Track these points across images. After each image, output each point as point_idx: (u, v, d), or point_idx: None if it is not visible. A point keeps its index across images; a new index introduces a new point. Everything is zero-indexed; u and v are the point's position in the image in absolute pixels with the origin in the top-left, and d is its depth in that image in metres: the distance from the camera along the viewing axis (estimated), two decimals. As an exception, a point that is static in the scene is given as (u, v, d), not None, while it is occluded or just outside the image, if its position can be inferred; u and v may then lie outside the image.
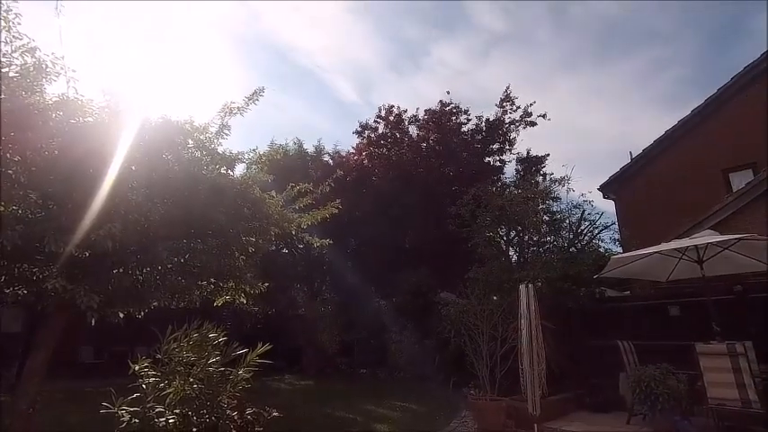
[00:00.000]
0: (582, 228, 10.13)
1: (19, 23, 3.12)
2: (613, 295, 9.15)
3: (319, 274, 17.76)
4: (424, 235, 14.82)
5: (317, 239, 5.77)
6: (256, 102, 4.41)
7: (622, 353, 6.68)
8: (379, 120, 17.25)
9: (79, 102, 3.38)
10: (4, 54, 3.11)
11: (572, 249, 9.57)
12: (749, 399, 4.80)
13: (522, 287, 5.79)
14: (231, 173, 4.35)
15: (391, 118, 17.04)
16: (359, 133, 17.49)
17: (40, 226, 3.13)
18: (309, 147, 17.74)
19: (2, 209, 3.13)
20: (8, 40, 3.11)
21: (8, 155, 3.27)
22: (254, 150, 4.86)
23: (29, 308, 8.13)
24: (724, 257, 6.03)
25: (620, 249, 10.25)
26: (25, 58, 3.16)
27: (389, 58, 25.12)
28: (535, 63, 24.36)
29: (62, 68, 3.33)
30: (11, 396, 8.63)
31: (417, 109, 17.11)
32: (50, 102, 3.28)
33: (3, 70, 3.03)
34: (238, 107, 4.34)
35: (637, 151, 12.57)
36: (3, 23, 3.05)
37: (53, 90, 3.47)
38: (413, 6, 21.05)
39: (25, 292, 3.72)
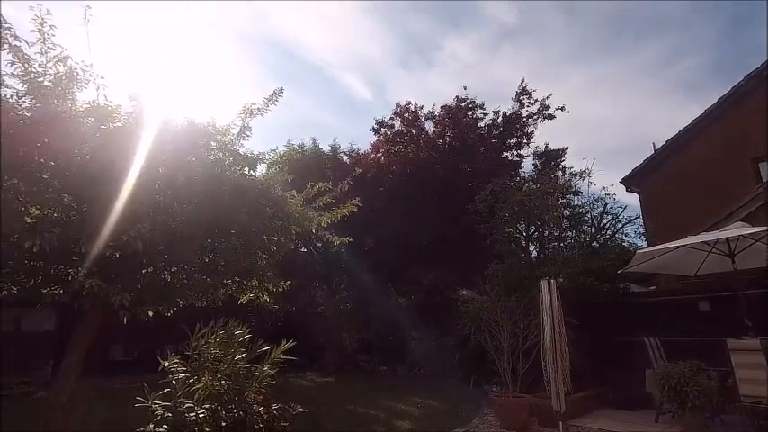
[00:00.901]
0: (604, 222, 9.94)
1: (53, 35, 3.26)
2: (638, 290, 8.95)
3: (338, 272, 17.88)
4: (441, 232, 14.76)
5: (337, 238, 5.82)
6: (276, 102, 4.48)
7: (649, 349, 6.55)
8: (395, 117, 17.26)
9: (108, 108, 3.51)
10: (40, 64, 3.25)
11: (594, 244, 9.39)
12: (785, 396, 4.65)
13: (543, 283, 5.73)
14: (253, 173, 4.44)
15: (407, 115, 17.01)
16: (375, 131, 17.53)
17: (74, 228, 3.26)
18: (325, 146, 17.87)
19: (38, 212, 3.27)
20: (43, 50, 3.25)
21: (42, 160, 3.41)
22: (274, 151, 4.95)
23: (61, 307, 8.45)
24: (755, 250, 5.84)
25: (644, 243, 10.01)
26: (58, 67, 3.29)
27: (400, 54, 25.04)
28: (547, 55, 23.92)
29: (91, 76, 3.46)
30: (46, 392, 9.02)
31: (433, 105, 17.05)
32: (81, 108, 3.41)
33: (38, 80, 3.17)
34: (258, 108, 4.42)
35: (660, 142, 12.24)
36: (38, 35, 3.19)
37: (83, 97, 3.61)
38: (421, 2, 20.91)
39: (61, 291, 3.88)
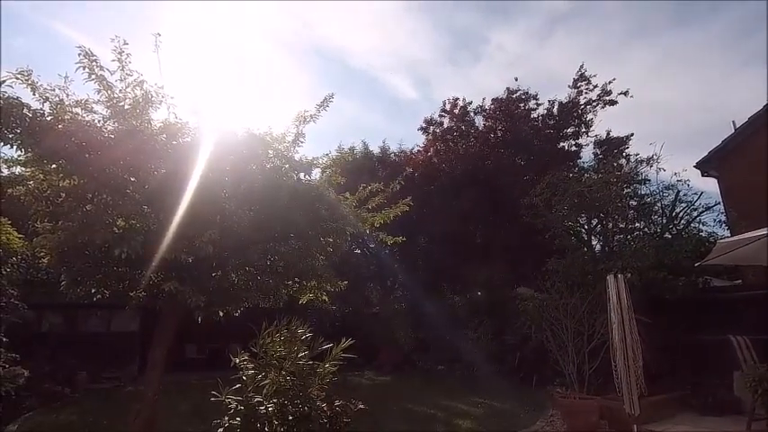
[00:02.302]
0: (677, 211, 9.14)
1: (130, 62, 3.63)
2: (720, 285, 8.16)
3: (391, 272, 18.03)
4: (495, 228, 14.41)
5: (390, 237, 5.88)
6: (327, 108, 4.63)
7: (737, 349, 5.94)
8: (444, 114, 17.11)
9: (178, 124, 3.83)
10: (120, 90, 3.63)
11: (666, 235, 8.68)
12: None
13: (610, 278, 5.39)
14: (309, 178, 4.62)
15: (456, 111, 16.79)
16: (424, 129, 17.48)
17: (154, 236, 3.60)
18: (375, 148, 18.10)
19: (124, 223, 3.64)
20: (122, 77, 3.63)
21: (126, 176, 3.80)
22: (327, 155, 5.11)
23: (144, 309, 9.31)
24: None
25: (726, 233, 9.09)
26: (135, 91, 3.66)
27: (446, 51, 24.66)
28: (606, 36, 22.32)
29: (163, 97, 3.80)
30: (134, 386, 9.96)
31: (483, 99, 16.70)
32: (156, 127, 3.75)
33: (119, 104, 3.54)
34: (311, 115, 4.59)
35: (741, 120, 11.01)
36: (117, 63, 3.57)
37: (156, 116, 3.97)
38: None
39: (144, 294, 4.28)
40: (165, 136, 3.74)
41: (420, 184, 15.36)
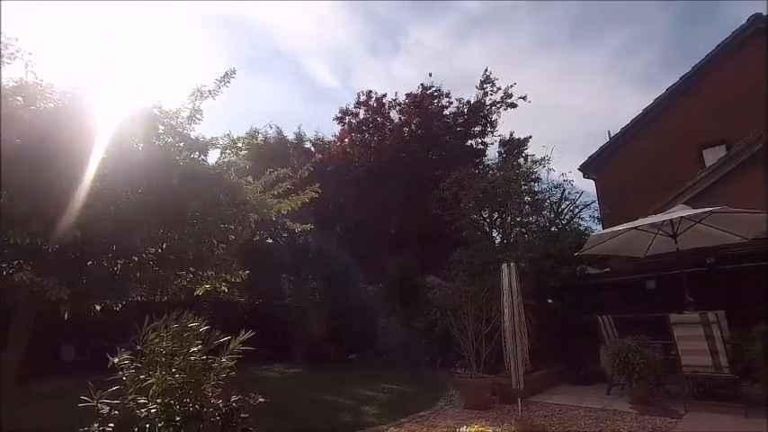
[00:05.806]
0: (562, 207, 10.29)
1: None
2: (594, 272, 9.37)
3: (305, 262, 17.64)
4: (409, 220, 14.87)
5: (298, 225, 5.70)
6: (228, 84, 4.29)
7: (602, 327, 6.87)
8: (359, 105, 17.07)
9: (39, 87, 3.23)
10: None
11: (553, 228, 9.73)
12: (721, 364, 5.01)
13: (504, 266, 5.85)
14: (205, 158, 4.24)
15: (372, 103, 16.86)
16: (339, 119, 17.29)
17: (3, 217, 3.01)
18: (290, 134, 17.45)
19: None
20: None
21: (-36, 144, 3.11)
22: (227, 135, 4.74)
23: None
24: (697, 231, 6.20)
25: (600, 227, 10.47)
26: (-26, 39, 3.00)
27: (367, 40, 24.63)
28: (514, 43, 24.25)
29: (17, 51, 3.16)
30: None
31: (396, 93, 16.99)
32: (8, 87, 3.12)
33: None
34: (209, 90, 4.22)
35: (616, 130, 12.76)
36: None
37: (10, 75, 3.31)
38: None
39: (-8, 288, 3.58)
40: (20, 98, 3.12)
41: (336, 174, 15.23)
